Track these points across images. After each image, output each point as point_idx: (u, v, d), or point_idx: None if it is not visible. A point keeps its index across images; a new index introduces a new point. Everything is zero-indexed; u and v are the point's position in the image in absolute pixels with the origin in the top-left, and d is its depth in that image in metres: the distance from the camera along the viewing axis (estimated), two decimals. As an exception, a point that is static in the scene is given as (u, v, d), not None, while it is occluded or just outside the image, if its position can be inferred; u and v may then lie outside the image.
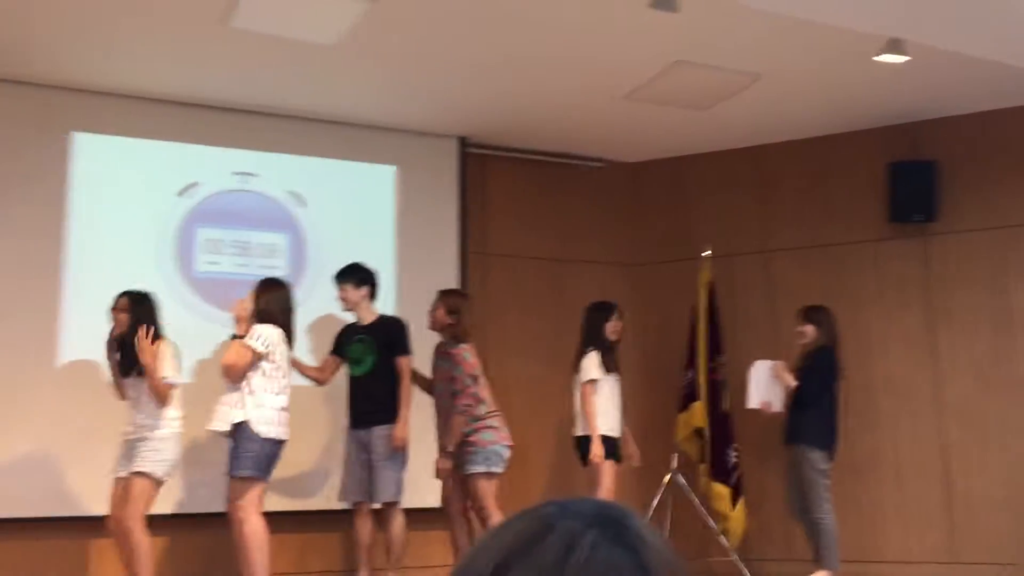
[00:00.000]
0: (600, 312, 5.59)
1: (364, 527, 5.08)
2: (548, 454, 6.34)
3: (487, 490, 5.04)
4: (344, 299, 5.20)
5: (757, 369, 5.81)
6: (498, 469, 5.06)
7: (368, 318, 5.21)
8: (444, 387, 5.18)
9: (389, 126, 6.18)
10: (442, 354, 5.24)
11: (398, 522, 5.05)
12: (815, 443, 5.41)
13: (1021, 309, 5.83)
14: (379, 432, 5.04)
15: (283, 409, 4.66)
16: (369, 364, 5.13)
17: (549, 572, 0.61)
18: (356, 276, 5.21)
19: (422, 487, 5.37)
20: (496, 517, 4.93)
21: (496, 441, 5.09)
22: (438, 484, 5.25)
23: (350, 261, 5.30)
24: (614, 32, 4.97)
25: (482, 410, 5.10)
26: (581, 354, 5.48)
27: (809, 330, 5.62)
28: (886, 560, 5.90)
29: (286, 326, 4.70)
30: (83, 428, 5.22)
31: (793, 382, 5.53)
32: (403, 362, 5.13)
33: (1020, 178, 5.92)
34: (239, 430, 4.54)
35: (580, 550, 0.63)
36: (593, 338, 5.50)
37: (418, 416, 5.57)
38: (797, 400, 5.52)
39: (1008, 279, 5.88)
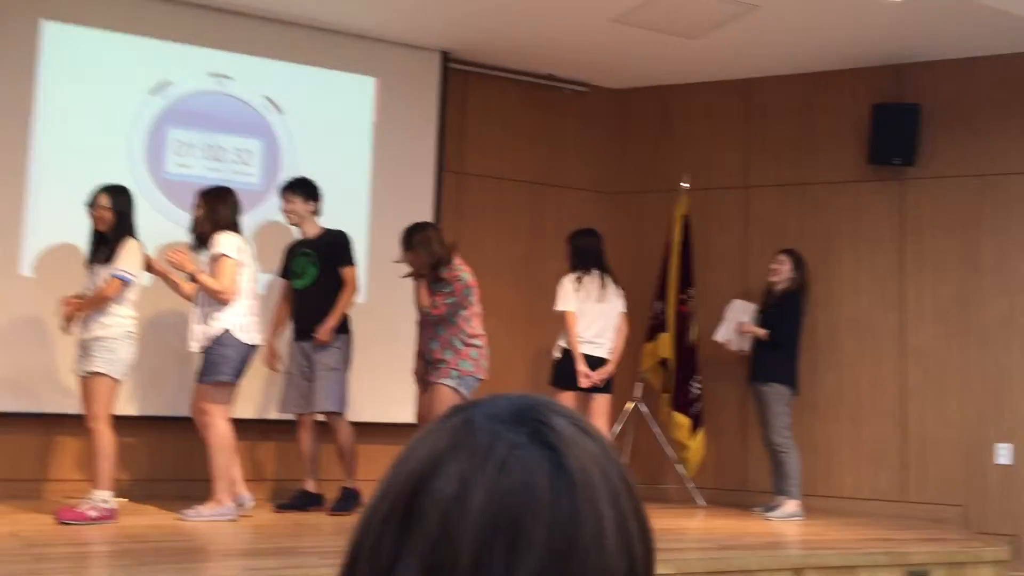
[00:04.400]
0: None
1: (306, 438, 5.05)
2: (521, 380, 6.35)
3: (450, 403, 4.96)
4: (291, 211, 5.07)
5: (733, 308, 5.88)
6: (466, 392, 4.99)
7: (312, 232, 5.11)
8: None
9: (371, 35, 6.03)
10: (437, 280, 5.00)
11: (344, 432, 5.01)
12: (784, 381, 5.58)
13: (989, 258, 5.88)
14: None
15: (254, 313, 4.65)
16: (310, 277, 5.04)
17: (467, 481, 0.60)
18: (306, 190, 5.08)
19: (397, 401, 5.37)
20: None
21: (473, 372, 4.99)
22: (411, 398, 5.21)
23: (298, 175, 5.18)
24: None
25: (464, 334, 4.97)
26: (604, 282, 5.50)
27: (786, 269, 5.67)
28: (838, 496, 6.04)
29: (239, 230, 4.67)
30: (46, 324, 5.15)
31: (761, 333, 5.62)
32: (347, 272, 5.04)
33: (1000, 127, 5.91)
34: (217, 338, 4.52)
35: (498, 453, 0.61)
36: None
37: (390, 330, 5.57)
38: (768, 340, 5.62)
39: (980, 227, 5.91)
